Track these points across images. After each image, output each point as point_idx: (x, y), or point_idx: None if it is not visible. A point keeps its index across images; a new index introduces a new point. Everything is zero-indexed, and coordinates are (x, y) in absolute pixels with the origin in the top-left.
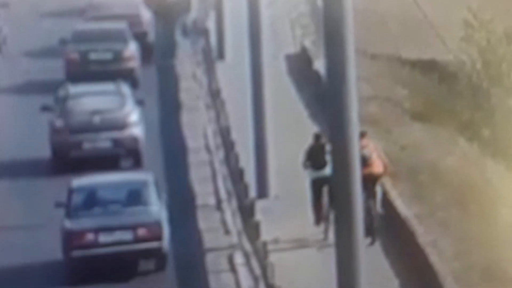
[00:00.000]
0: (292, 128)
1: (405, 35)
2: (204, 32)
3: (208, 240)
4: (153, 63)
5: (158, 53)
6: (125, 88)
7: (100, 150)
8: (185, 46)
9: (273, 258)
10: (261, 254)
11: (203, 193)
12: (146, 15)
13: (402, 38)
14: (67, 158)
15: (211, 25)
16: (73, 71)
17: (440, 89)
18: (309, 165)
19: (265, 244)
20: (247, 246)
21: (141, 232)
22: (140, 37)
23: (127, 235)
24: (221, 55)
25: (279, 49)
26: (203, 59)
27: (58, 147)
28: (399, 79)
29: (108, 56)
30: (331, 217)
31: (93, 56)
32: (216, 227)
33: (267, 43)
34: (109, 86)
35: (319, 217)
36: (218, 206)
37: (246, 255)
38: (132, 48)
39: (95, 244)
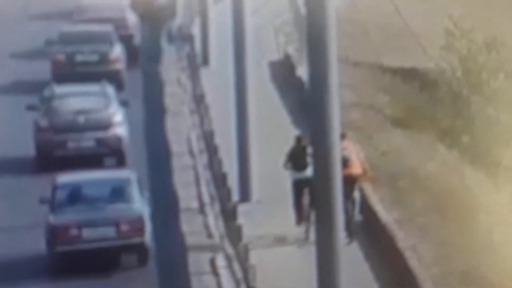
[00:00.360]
0: (275, 133)
1: (386, 44)
2: (189, 38)
3: (191, 243)
4: (139, 66)
5: (144, 58)
6: (110, 89)
7: (84, 149)
8: (170, 52)
9: (254, 260)
10: (243, 257)
11: (186, 197)
12: (132, 18)
13: (383, 46)
14: (52, 157)
15: (196, 31)
16: (59, 72)
17: (421, 97)
18: (290, 167)
19: (246, 247)
20: (229, 249)
21: (124, 227)
22: (126, 40)
23: (110, 231)
24: (205, 61)
25: (263, 56)
26: (187, 65)
27: (43, 146)
28: (380, 86)
29: (94, 58)
30: (312, 217)
31: (79, 57)
32: (199, 230)
33: (251, 50)
34: (93, 87)
35: (300, 217)
36: (201, 209)
37: (228, 258)
38: (118, 50)
39: (79, 239)
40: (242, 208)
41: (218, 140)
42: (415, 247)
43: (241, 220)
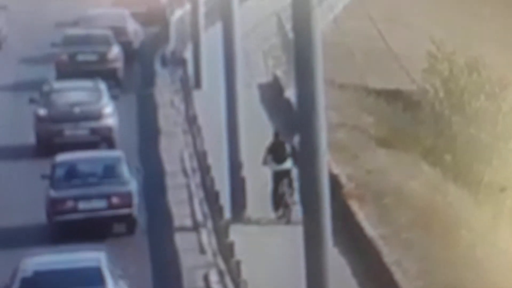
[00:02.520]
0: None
1: (371, 66)
2: (182, 62)
3: (185, 259)
4: (134, 66)
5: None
6: (102, 85)
7: (79, 137)
8: (164, 76)
9: (245, 275)
10: (235, 272)
11: (180, 215)
12: (131, 26)
13: (368, 69)
14: (50, 144)
15: (188, 55)
16: (62, 71)
17: (404, 117)
18: (270, 160)
19: (238, 263)
20: (222, 265)
21: (114, 200)
22: (126, 45)
23: (102, 203)
24: (197, 84)
25: (252, 78)
26: (180, 87)
27: (42, 134)
28: (365, 107)
29: (94, 57)
30: (290, 202)
31: (80, 57)
32: (193, 247)
33: (241, 73)
34: (87, 83)
35: (277, 205)
36: (195, 227)
37: (220, 274)
38: (115, 51)
39: (75, 210)
40: (234, 226)
41: (210, 159)
42: (400, 262)
43: (233, 237)
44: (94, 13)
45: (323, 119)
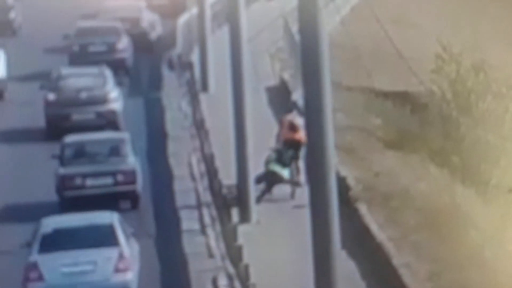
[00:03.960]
0: None
1: (378, 68)
2: (189, 66)
3: (193, 263)
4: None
5: (146, 86)
6: (107, 71)
7: (85, 121)
8: (171, 79)
9: (254, 279)
10: (244, 276)
11: (188, 219)
12: (147, 17)
13: (375, 71)
14: (59, 127)
15: (195, 59)
16: (75, 61)
17: (411, 119)
18: (274, 159)
19: (247, 266)
20: (230, 269)
21: (120, 177)
22: (141, 36)
23: (108, 180)
24: (205, 87)
25: (259, 81)
26: (187, 91)
27: (51, 118)
28: (373, 109)
29: (104, 48)
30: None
31: (91, 48)
32: (201, 251)
33: (248, 76)
34: (93, 69)
35: (260, 199)
36: (203, 231)
37: (229, 278)
38: (124, 42)
39: (83, 187)
40: (242, 229)
41: (218, 163)
42: (409, 264)
43: (241, 240)
44: (111, 4)
45: (330, 121)
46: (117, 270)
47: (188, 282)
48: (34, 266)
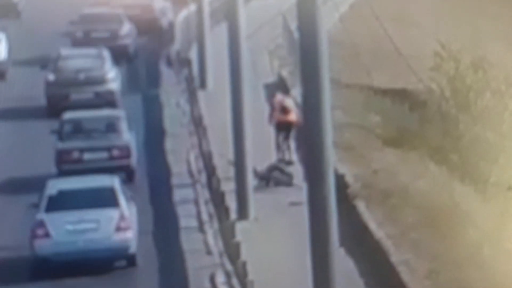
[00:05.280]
0: (271, 153)
1: (377, 66)
2: (187, 63)
3: (191, 260)
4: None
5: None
6: (105, 52)
7: (84, 100)
8: (169, 76)
9: (252, 276)
10: (242, 273)
11: (186, 216)
12: (158, 4)
13: (374, 68)
14: (58, 107)
15: (193, 56)
16: (77, 46)
17: (410, 116)
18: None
19: (245, 263)
20: (228, 265)
21: (115, 152)
22: (152, 23)
23: (104, 154)
24: (203, 84)
25: (258, 78)
26: (186, 88)
27: (51, 98)
28: (371, 107)
29: (106, 34)
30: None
31: (94, 34)
32: (199, 248)
33: (247, 73)
34: (92, 50)
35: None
36: (201, 228)
37: (227, 274)
38: (126, 28)
39: (80, 160)
40: (240, 226)
41: (216, 160)
42: (407, 262)
43: (239, 237)
44: None
45: (329, 119)
46: (118, 229)
47: (186, 279)
48: (41, 223)
